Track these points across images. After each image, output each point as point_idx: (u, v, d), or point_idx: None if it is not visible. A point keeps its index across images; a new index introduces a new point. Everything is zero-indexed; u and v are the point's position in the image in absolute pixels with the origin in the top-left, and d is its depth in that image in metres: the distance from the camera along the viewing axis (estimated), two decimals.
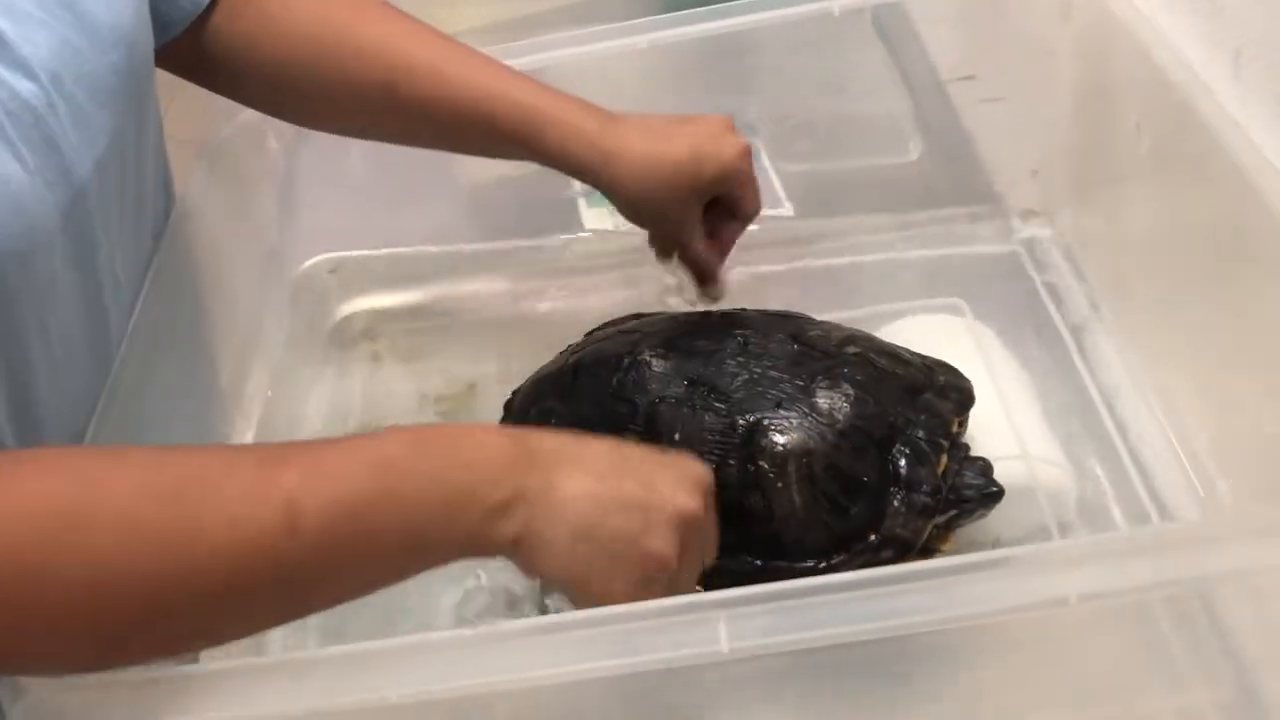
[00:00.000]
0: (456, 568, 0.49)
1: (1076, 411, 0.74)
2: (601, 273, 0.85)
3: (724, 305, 0.68)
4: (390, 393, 0.80)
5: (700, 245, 0.70)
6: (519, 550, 0.48)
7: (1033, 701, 0.57)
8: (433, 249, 0.88)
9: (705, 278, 0.71)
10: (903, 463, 0.60)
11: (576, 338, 0.73)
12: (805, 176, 0.91)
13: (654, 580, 0.50)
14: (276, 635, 0.67)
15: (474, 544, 0.48)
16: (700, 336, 0.66)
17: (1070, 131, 0.84)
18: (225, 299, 0.77)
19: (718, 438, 0.60)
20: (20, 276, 0.48)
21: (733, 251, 0.72)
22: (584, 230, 0.87)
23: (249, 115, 0.75)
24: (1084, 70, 0.81)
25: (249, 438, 0.75)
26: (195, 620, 0.45)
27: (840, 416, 0.60)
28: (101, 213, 0.55)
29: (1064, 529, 0.66)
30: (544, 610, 0.63)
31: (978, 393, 0.68)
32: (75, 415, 0.56)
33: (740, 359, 0.62)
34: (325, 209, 0.86)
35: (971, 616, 0.48)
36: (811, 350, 0.63)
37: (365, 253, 0.89)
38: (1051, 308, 0.81)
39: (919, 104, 0.90)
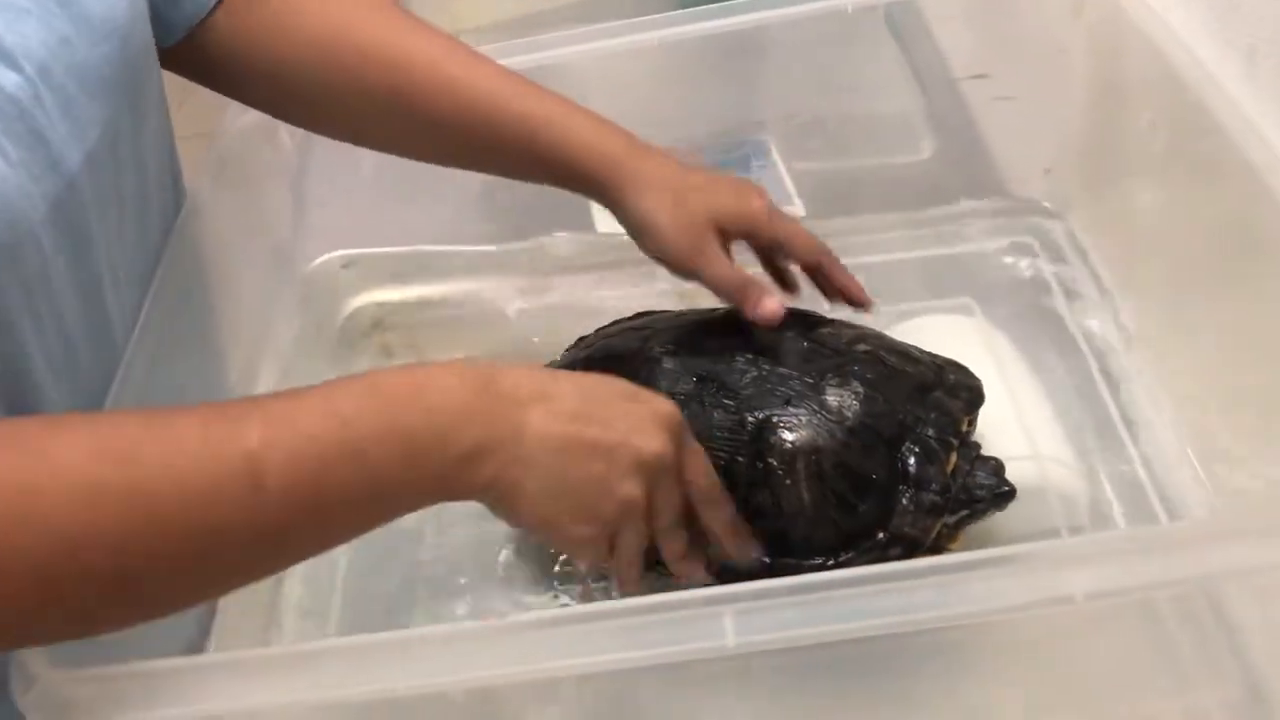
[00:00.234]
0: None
1: (1087, 411, 0.74)
2: (612, 270, 0.85)
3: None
4: None
5: (722, 275, 0.64)
6: (490, 497, 0.48)
7: (1039, 700, 0.57)
8: (444, 245, 0.88)
9: (742, 302, 0.64)
10: (912, 461, 0.59)
11: (586, 334, 0.73)
12: (816, 175, 0.91)
13: (627, 523, 0.51)
14: (288, 625, 0.68)
15: (442, 489, 0.48)
16: (710, 333, 0.66)
17: (1083, 130, 0.84)
18: (236, 294, 0.78)
19: (727, 434, 0.60)
20: (5, 268, 0.48)
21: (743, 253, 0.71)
22: (595, 227, 0.87)
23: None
24: (1097, 68, 0.81)
25: None
26: (165, 582, 0.44)
27: (850, 414, 0.60)
28: (97, 205, 0.54)
29: (1073, 528, 0.66)
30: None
31: (988, 392, 0.68)
32: (80, 403, 0.56)
33: (750, 356, 0.62)
34: (337, 205, 0.86)
35: (978, 613, 0.48)
36: (821, 348, 0.63)
37: (377, 249, 0.89)
38: (1063, 306, 0.81)
39: (931, 102, 0.90)
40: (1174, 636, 0.60)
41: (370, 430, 0.45)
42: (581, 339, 0.72)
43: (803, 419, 0.59)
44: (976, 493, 0.61)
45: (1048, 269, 0.84)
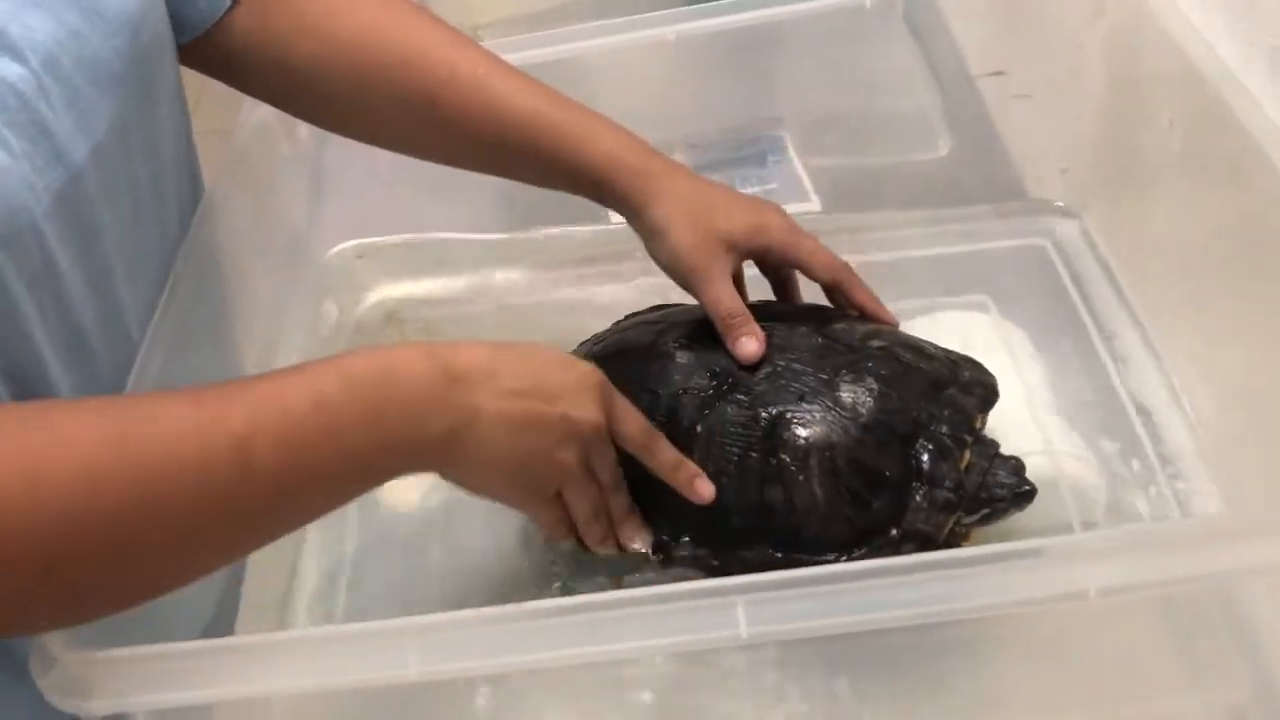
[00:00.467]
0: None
1: (1102, 408, 0.74)
2: (628, 262, 0.85)
3: (751, 298, 0.68)
4: None
5: (717, 298, 0.64)
6: (450, 472, 0.54)
7: (1051, 696, 0.57)
8: (461, 236, 0.89)
9: (727, 332, 0.63)
10: (925, 458, 0.59)
11: (601, 327, 0.73)
12: (833, 171, 0.91)
13: (567, 487, 0.56)
14: (301, 610, 0.69)
15: (409, 467, 0.52)
16: None
17: (1101, 128, 0.84)
18: (253, 285, 0.78)
19: (740, 430, 0.60)
20: (7, 257, 0.48)
21: None
22: (610, 219, 0.87)
23: None
24: (1116, 66, 0.80)
25: None
26: (157, 561, 0.45)
27: (863, 410, 0.60)
28: (105, 197, 0.55)
29: (1087, 523, 0.66)
30: None
31: (1004, 389, 0.68)
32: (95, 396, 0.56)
33: (764, 351, 0.62)
34: (354, 196, 0.87)
35: (991, 607, 0.48)
36: (836, 344, 0.63)
37: (394, 239, 0.89)
38: (1079, 305, 0.81)
39: (948, 99, 0.89)
40: (1187, 634, 0.60)
41: (347, 415, 0.49)
42: (596, 334, 0.72)
43: (816, 415, 0.59)
44: (997, 492, 0.60)
45: (1063, 267, 0.84)
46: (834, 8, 0.78)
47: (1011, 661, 0.58)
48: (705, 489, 0.59)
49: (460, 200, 0.86)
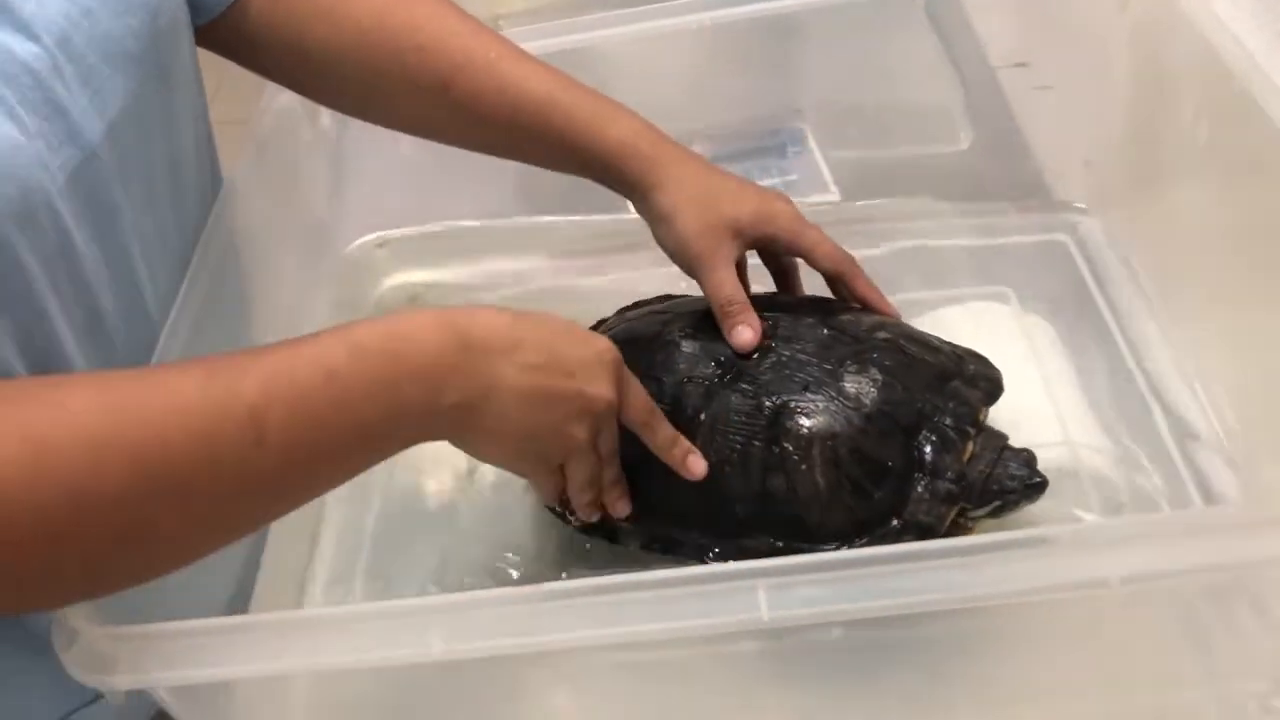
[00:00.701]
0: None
1: (1122, 400, 0.74)
2: (645, 251, 0.85)
3: (756, 289, 0.68)
4: None
5: (718, 285, 0.64)
6: (463, 441, 0.54)
7: (1071, 683, 0.57)
8: (480, 224, 0.89)
9: (724, 319, 0.64)
10: (928, 449, 0.59)
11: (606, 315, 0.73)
12: (853, 162, 0.91)
13: (572, 458, 0.57)
14: (318, 588, 0.69)
15: (424, 435, 0.52)
16: None
17: (1124, 121, 0.83)
18: (273, 272, 0.78)
19: (744, 419, 0.60)
20: (22, 235, 0.48)
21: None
22: (630, 209, 0.87)
23: None
24: (1140, 58, 0.80)
25: None
26: (169, 535, 0.45)
27: (867, 401, 0.60)
28: (120, 176, 0.55)
29: (1109, 516, 0.66)
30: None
31: (1024, 381, 0.68)
32: None
33: (769, 341, 0.62)
34: (375, 184, 0.87)
35: (1014, 594, 0.48)
36: (841, 335, 0.63)
37: (414, 228, 0.90)
38: (1099, 298, 0.81)
39: (970, 91, 0.89)
40: (1208, 625, 0.60)
41: (360, 386, 0.48)
42: (602, 320, 0.72)
43: (820, 405, 0.60)
44: (1008, 484, 0.60)
45: (1085, 260, 0.84)
46: None
47: (1032, 651, 0.58)
48: (697, 466, 0.59)
49: (480, 188, 0.87)
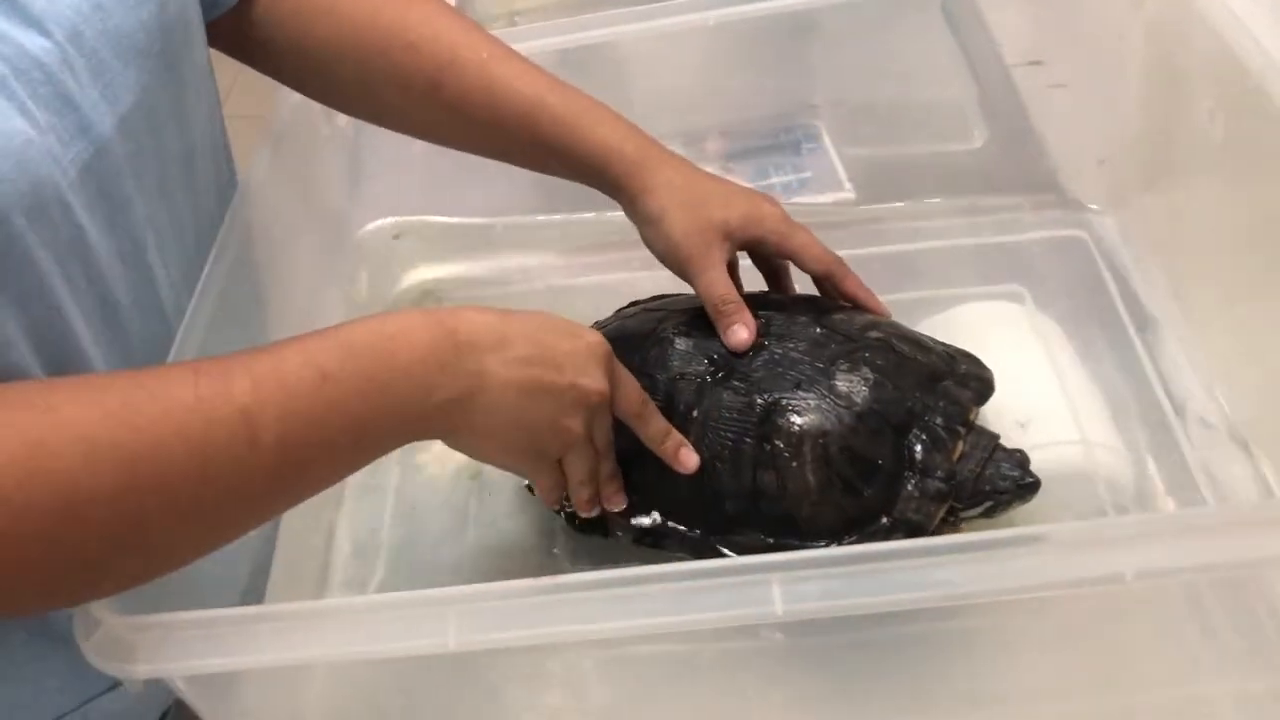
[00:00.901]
0: None
1: (1136, 399, 0.74)
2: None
3: (750, 289, 0.68)
4: None
5: (712, 285, 0.64)
6: (456, 439, 0.54)
7: (1082, 682, 0.57)
8: (495, 219, 0.89)
9: (719, 319, 0.64)
10: (918, 448, 0.60)
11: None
12: (867, 160, 0.91)
13: (570, 452, 0.57)
14: (337, 579, 0.69)
15: (417, 434, 0.52)
16: None
17: (1139, 119, 0.83)
18: (290, 264, 0.79)
19: (736, 415, 0.61)
20: (33, 229, 0.49)
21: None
22: None
23: None
24: (1155, 55, 0.80)
25: None
26: (165, 535, 0.46)
27: (858, 399, 0.60)
28: (133, 170, 0.55)
29: (1121, 514, 0.66)
30: None
31: (1037, 379, 0.68)
32: (129, 368, 0.56)
33: (762, 339, 0.63)
34: (391, 177, 0.88)
35: (1028, 589, 0.48)
36: (833, 333, 0.63)
37: (429, 220, 0.90)
38: (1115, 296, 0.80)
39: (984, 89, 0.89)
40: (1222, 622, 0.60)
41: (351, 385, 0.49)
42: (598, 321, 0.72)
43: (811, 403, 0.60)
44: (1000, 484, 0.61)
45: (1099, 259, 0.83)
46: None
47: (1046, 648, 0.58)
48: (690, 459, 0.60)
49: (495, 183, 0.87)
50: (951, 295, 0.79)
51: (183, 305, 0.61)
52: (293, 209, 0.79)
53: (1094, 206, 0.87)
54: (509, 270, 0.88)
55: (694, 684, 0.59)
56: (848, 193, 0.90)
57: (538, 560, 0.68)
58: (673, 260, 0.66)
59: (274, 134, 0.76)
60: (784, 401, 0.60)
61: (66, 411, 0.43)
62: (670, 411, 0.62)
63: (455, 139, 0.69)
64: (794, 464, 0.59)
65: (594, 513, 0.61)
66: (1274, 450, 0.68)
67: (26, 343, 0.50)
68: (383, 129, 0.73)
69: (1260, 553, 0.49)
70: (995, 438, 0.62)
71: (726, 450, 0.60)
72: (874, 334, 0.63)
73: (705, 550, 0.61)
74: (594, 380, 0.56)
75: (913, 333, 0.66)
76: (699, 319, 0.65)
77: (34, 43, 0.49)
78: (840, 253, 0.82)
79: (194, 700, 0.52)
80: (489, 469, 0.73)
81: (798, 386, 0.60)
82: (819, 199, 0.89)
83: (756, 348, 0.62)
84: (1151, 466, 0.70)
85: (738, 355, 0.62)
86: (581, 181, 0.67)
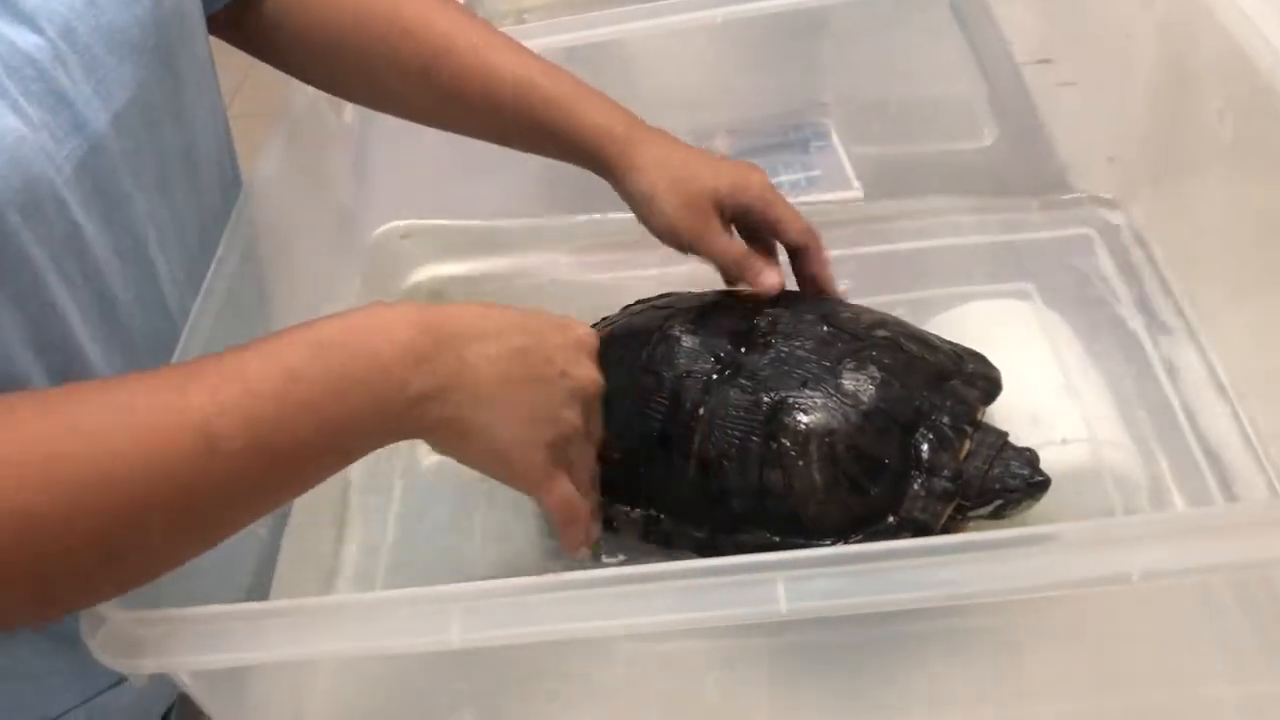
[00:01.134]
0: None
1: (1145, 397, 0.73)
2: (664, 249, 0.85)
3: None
4: None
5: (724, 247, 0.66)
6: (440, 435, 0.50)
7: (1090, 683, 0.57)
8: (504, 219, 0.89)
9: (745, 272, 0.66)
10: (925, 447, 0.60)
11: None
12: (876, 158, 0.91)
13: (571, 447, 0.54)
14: (342, 576, 0.69)
15: (395, 431, 0.49)
16: (731, 315, 0.66)
17: (1148, 117, 0.82)
18: (298, 264, 0.79)
19: (742, 414, 0.61)
20: (27, 226, 0.48)
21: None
22: None
23: None
24: (1164, 54, 0.79)
25: None
26: (134, 547, 0.44)
27: (865, 398, 0.60)
28: (130, 166, 0.55)
29: (1129, 512, 0.65)
30: None
31: (1046, 377, 0.67)
32: (130, 366, 0.56)
33: (769, 338, 0.63)
34: (399, 177, 0.88)
35: (1034, 588, 0.48)
36: (841, 332, 0.63)
37: (437, 220, 0.90)
38: (1123, 294, 0.80)
39: (994, 87, 0.89)
40: (1233, 623, 0.59)
41: (320, 383, 0.46)
42: (605, 317, 0.72)
43: (818, 401, 0.60)
44: (1010, 482, 0.60)
45: (1108, 257, 0.83)
46: None
47: (1055, 648, 0.57)
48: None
49: (504, 184, 0.87)
50: (960, 293, 0.78)
51: (186, 302, 0.61)
52: (300, 207, 0.79)
53: (1103, 205, 0.86)
54: (516, 269, 0.88)
55: (695, 682, 0.59)
56: (856, 191, 0.90)
57: (542, 558, 0.68)
58: (671, 237, 0.66)
59: (282, 132, 0.76)
60: (791, 400, 0.60)
61: (27, 428, 0.42)
62: (676, 409, 0.62)
63: (453, 123, 0.69)
64: (800, 462, 0.59)
65: (597, 533, 0.59)
66: None
67: (23, 340, 0.50)
68: (389, 130, 0.73)
69: (1270, 553, 0.49)
70: (1004, 436, 0.62)
71: (733, 449, 0.60)
72: (881, 333, 0.63)
73: (711, 548, 0.61)
74: (585, 369, 0.54)
75: (920, 331, 0.66)
76: (706, 317, 0.65)
77: (26, 39, 0.49)
78: (849, 251, 0.82)
79: (200, 695, 0.52)
80: None
81: (804, 385, 0.60)
82: (827, 197, 0.89)
83: (763, 346, 0.62)
84: (1160, 465, 0.69)
85: (744, 354, 0.62)
86: (575, 163, 0.68)
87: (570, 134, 0.66)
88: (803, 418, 0.59)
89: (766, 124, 0.92)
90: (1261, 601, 0.59)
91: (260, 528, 0.58)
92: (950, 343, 0.66)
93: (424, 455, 0.75)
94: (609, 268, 0.86)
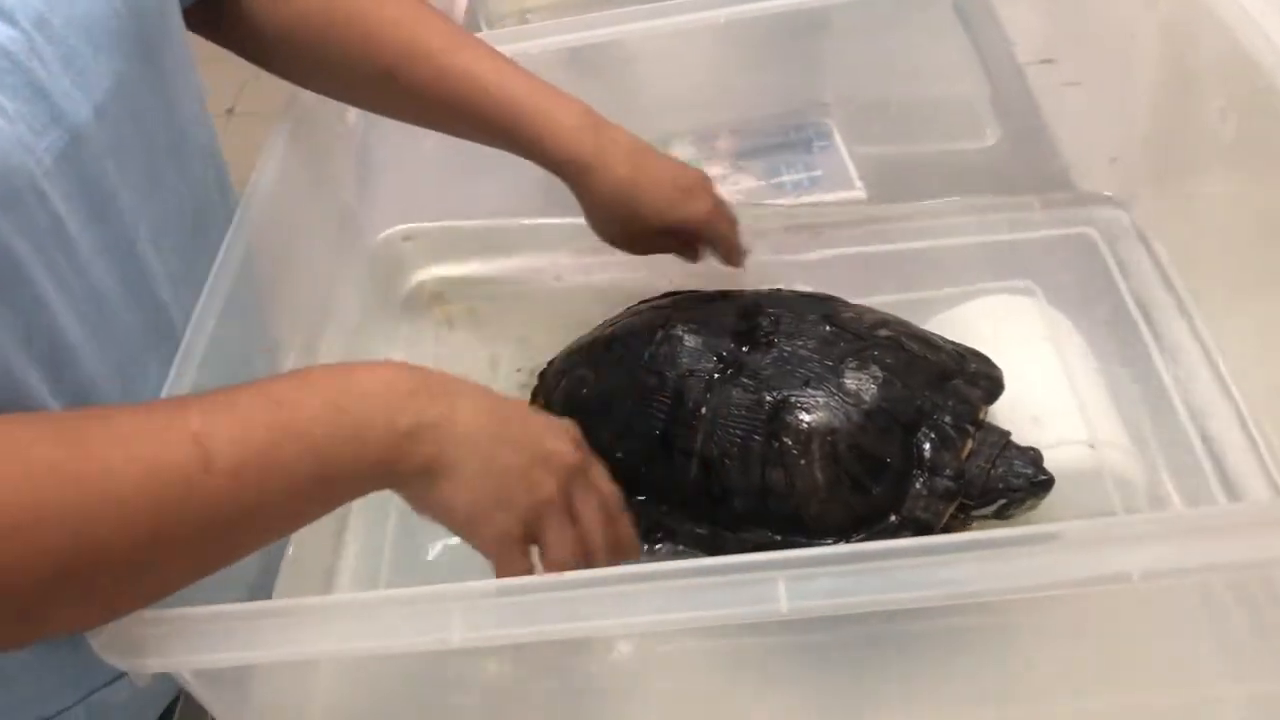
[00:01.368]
0: None
1: (1147, 397, 0.73)
2: None
3: (761, 286, 0.68)
4: (461, 358, 0.82)
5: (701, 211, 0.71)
6: (428, 479, 0.50)
7: (1096, 679, 0.57)
8: (506, 219, 0.89)
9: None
10: (927, 446, 0.60)
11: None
12: (878, 158, 0.91)
13: (546, 520, 0.52)
14: (344, 577, 0.69)
15: (383, 467, 0.49)
16: (733, 314, 0.66)
17: (1151, 117, 0.82)
18: (300, 266, 0.79)
19: (744, 413, 0.61)
20: (7, 217, 0.48)
21: (803, 234, 0.73)
22: None
23: None
24: (1166, 54, 0.79)
25: None
26: (126, 570, 0.44)
27: (867, 398, 0.60)
28: (115, 158, 0.54)
29: (1130, 513, 0.65)
30: None
31: (1048, 378, 0.67)
32: (124, 363, 0.57)
33: (772, 337, 0.63)
34: (401, 178, 0.88)
35: (1036, 588, 0.48)
36: (843, 332, 0.63)
37: (439, 222, 0.90)
38: (1126, 294, 0.80)
39: (996, 87, 0.89)
40: (1233, 623, 0.59)
41: (310, 412, 0.47)
42: (608, 320, 0.72)
43: (820, 400, 0.60)
44: (1013, 481, 0.60)
45: (1111, 257, 0.83)
46: None
47: (1056, 648, 0.57)
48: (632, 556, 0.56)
49: (506, 185, 0.87)
50: (962, 293, 0.78)
51: (179, 296, 0.60)
52: (302, 209, 0.79)
53: (1106, 204, 0.86)
54: (519, 271, 0.87)
55: (697, 681, 0.59)
56: (859, 191, 0.90)
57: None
58: (612, 241, 0.71)
59: (284, 132, 0.76)
60: (793, 399, 0.60)
61: (21, 445, 0.42)
62: (679, 409, 0.62)
63: (421, 122, 0.71)
64: (802, 462, 0.59)
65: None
66: None
67: (10, 333, 0.50)
68: (391, 132, 0.73)
69: (1270, 553, 0.49)
70: (1006, 435, 0.62)
71: (735, 448, 0.60)
72: (883, 332, 0.63)
73: (714, 547, 0.61)
74: (563, 445, 0.53)
75: (922, 331, 0.66)
76: (708, 316, 0.66)
77: None
78: (851, 251, 0.82)
79: (202, 694, 0.52)
80: None
81: (807, 384, 0.60)
82: (830, 197, 0.89)
83: (766, 345, 0.63)
84: (1162, 464, 0.70)
85: (747, 354, 0.62)
86: (534, 161, 0.69)
87: (529, 144, 0.67)
88: (805, 417, 0.60)
89: (769, 124, 0.92)
90: (1261, 601, 0.59)
91: None
92: (952, 342, 0.66)
93: None
94: (612, 269, 0.86)
